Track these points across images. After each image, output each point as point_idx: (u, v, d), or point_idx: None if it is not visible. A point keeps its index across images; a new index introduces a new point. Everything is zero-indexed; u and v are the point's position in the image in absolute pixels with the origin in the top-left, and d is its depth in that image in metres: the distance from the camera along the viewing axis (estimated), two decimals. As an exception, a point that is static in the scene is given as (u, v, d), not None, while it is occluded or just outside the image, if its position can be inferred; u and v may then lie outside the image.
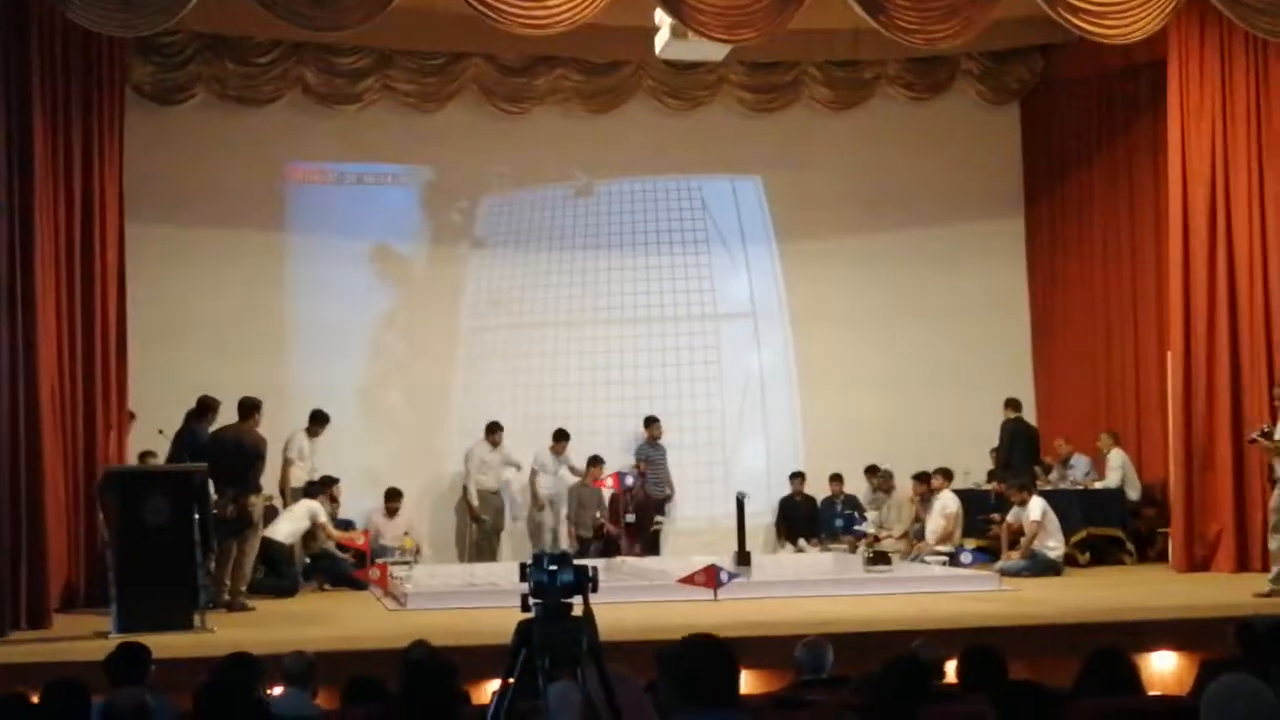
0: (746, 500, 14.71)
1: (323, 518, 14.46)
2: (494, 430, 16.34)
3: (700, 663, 4.65)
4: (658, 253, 17.68)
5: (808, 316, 17.82)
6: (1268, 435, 12.45)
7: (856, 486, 17.16)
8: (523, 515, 16.76)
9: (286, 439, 14.85)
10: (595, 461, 16.33)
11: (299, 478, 14.96)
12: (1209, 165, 14.15)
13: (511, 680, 4.60)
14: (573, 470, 16.64)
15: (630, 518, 16.51)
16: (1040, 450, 16.35)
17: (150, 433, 14.00)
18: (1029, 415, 17.10)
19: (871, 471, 16.99)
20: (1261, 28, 12.99)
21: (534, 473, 16.63)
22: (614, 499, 16.43)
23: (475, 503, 16.28)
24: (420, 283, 17.35)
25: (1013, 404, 16.32)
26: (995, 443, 16.73)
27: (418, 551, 15.51)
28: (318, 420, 15.15)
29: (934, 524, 15.44)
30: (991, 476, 16.12)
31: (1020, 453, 16.03)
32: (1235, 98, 14.12)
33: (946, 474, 15.70)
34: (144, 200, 14.96)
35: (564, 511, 16.72)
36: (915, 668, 6.06)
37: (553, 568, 4.64)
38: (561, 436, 16.61)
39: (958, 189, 17.87)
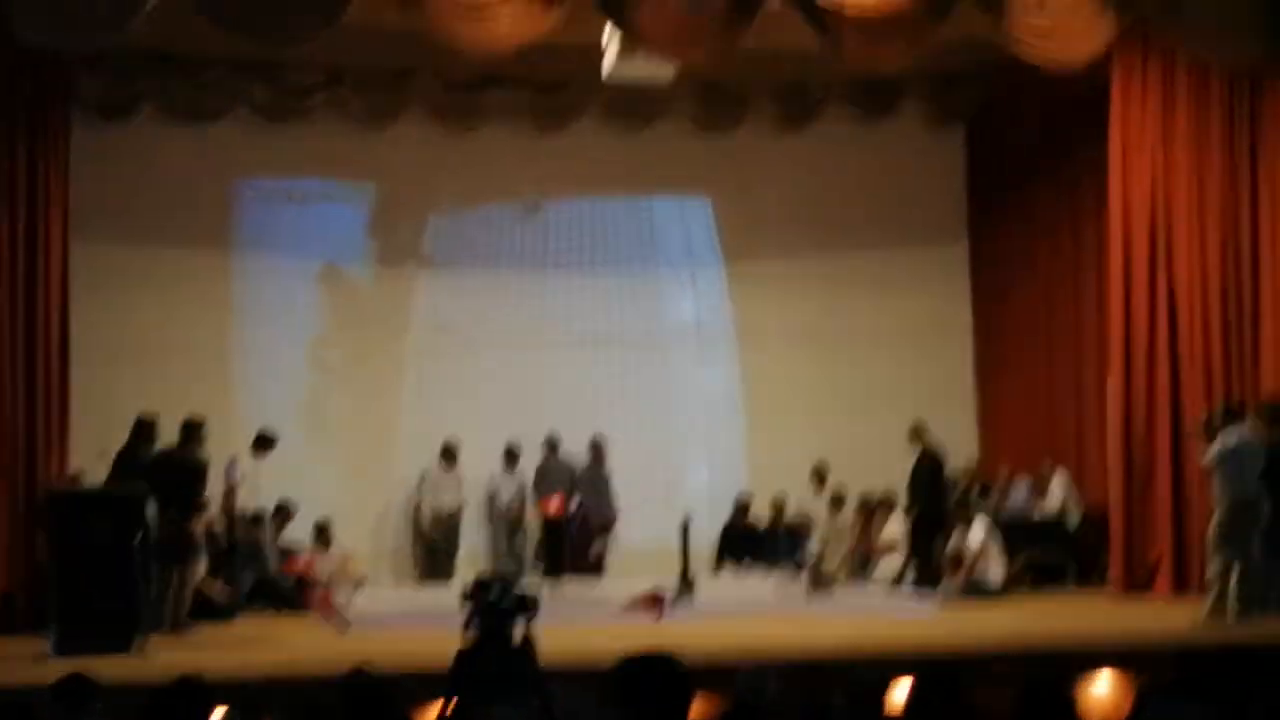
0: (692, 524, 14.72)
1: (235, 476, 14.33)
2: (449, 454, 16.32)
3: (651, 682, 4.60)
4: (605, 273, 17.71)
5: (754, 338, 17.88)
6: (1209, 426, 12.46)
7: (798, 489, 17.06)
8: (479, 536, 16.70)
9: (228, 461, 14.53)
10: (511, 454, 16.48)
11: (245, 502, 14.81)
12: (1149, 191, 14.26)
13: (451, 706, 4.60)
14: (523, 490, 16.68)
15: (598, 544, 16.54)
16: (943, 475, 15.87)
17: (85, 454, 13.85)
18: (971, 441, 17.22)
19: (817, 474, 16.92)
20: (1202, 56, 13.12)
21: (491, 495, 16.62)
22: (560, 523, 16.37)
23: (425, 526, 16.22)
24: (367, 302, 17.29)
25: (918, 431, 15.49)
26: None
27: (360, 582, 15.36)
28: (263, 442, 14.95)
29: (881, 550, 15.55)
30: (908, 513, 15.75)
31: (925, 482, 15.50)
32: (1176, 123, 14.23)
33: (889, 503, 15.76)
34: (89, 217, 14.83)
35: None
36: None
37: (495, 592, 4.64)
38: (512, 455, 16.61)
39: (904, 211, 17.97)
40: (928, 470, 15.27)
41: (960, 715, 6.04)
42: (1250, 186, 13.93)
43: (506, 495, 16.67)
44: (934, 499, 15.20)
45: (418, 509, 16.40)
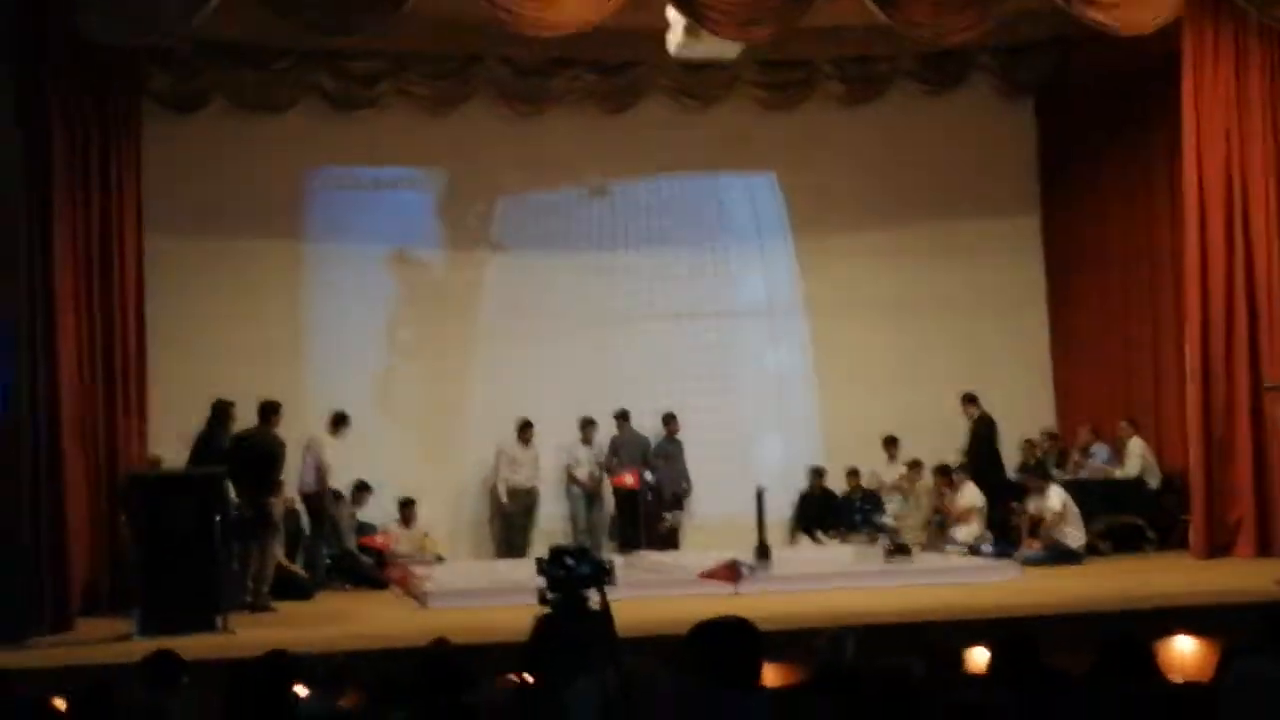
0: (766, 495, 14.73)
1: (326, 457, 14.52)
2: (525, 428, 16.40)
3: (724, 643, 4.65)
4: (674, 251, 17.70)
5: (825, 312, 17.83)
6: None
7: (872, 460, 17.13)
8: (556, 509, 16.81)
9: (309, 441, 14.71)
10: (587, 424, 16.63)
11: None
12: (1224, 156, 14.13)
13: (530, 677, 4.63)
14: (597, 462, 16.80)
15: (670, 517, 16.65)
16: (998, 441, 16.25)
17: (163, 439, 14.06)
18: (1048, 408, 17.16)
19: (890, 443, 16.96)
20: (1275, 17, 12.97)
21: (569, 466, 16.74)
22: (637, 496, 16.45)
23: (504, 499, 16.33)
24: (438, 286, 17.38)
25: (971, 399, 16.28)
26: (1018, 437, 16.81)
27: (439, 559, 15.53)
28: (339, 422, 15.13)
29: (958, 516, 15.51)
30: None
31: (984, 449, 15.98)
32: (1250, 89, 14.09)
33: (966, 468, 15.79)
34: (163, 208, 15.02)
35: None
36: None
37: (570, 562, 4.66)
38: (589, 424, 16.73)
39: (974, 183, 17.84)
40: (984, 438, 15.55)
41: (1040, 677, 6.03)
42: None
43: (583, 468, 16.74)
44: (991, 465, 15.43)
45: (495, 486, 16.47)
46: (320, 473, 14.68)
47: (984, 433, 16.00)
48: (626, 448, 16.72)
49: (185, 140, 15.81)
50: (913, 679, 6.09)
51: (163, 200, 15.00)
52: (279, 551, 13.26)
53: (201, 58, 15.72)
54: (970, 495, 15.57)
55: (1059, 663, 7.06)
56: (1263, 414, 13.75)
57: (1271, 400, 13.23)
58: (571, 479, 16.73)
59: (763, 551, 13.94)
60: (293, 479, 14.27)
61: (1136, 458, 15.77)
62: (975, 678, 7.04)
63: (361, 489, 15.41)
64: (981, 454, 16.02)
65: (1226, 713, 5.29)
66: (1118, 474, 15.85)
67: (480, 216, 17.52)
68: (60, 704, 7.01)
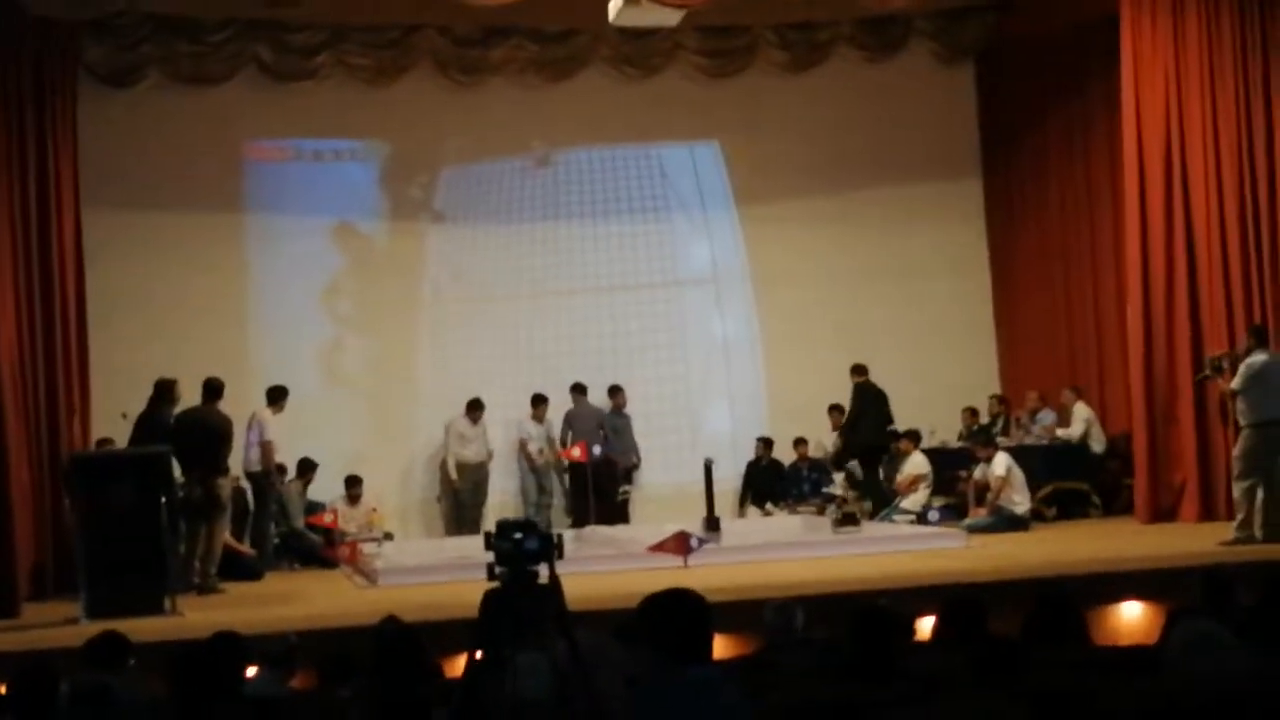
0: (714, 466, 14.75)
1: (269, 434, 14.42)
2: (475, 408, 16.37)
3: (674, 616, 4.66)
4: (618, 221, 17.69)
5: (769, 281, 17.85)
6: (1218, 369, 12.50)
7: (819, 429, 17.20)
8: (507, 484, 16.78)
9: (252, 418, 14.50)
10: (538, 400, 16.65)
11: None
12: (1163, 118, 14.19)
13: (479, 652, 4.60)
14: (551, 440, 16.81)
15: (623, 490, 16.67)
16: (889, 410, 16.05)
17: (105, 419, 13.92)
18: (990, 373, 17.30)
19: (834, 410, 16.94)
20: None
21: (522, 441, 16.72)
22: (584, 469, 16.45)
23: (454, 476, 16.29)
24: (381, 258, 17.30)
25: (859, 369, 15.97)
26: (963, 402, 16.89)
27: (388, 536, 15.47)
28: (277, 395, 14.89)
29: (904, 485, 15.56)
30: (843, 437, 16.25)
31: (871, 415, 15.85)
32: (1188, 51, 14.14)
33: (914, 436, 15.81)
34: (100, 183, 14.92)
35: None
36: (885, 621, 6.08)
37: (517, 535, 4.63)
38: (540, 401, 16.71)
39: (915, 149, 17.89)
40: (871, 403, 15.57)
41: (984, 642, 6.07)
42: (1265, 113, 13.92)
43: (535, 444, 16.72)
44: (868, 432, 15.54)
45: (444, 462, 16.42)
46: (264, 450, 14.58)
47: (861, 404, 15.82)
48: (581, 420, 16.70)
49: (122, 114, 15.72)
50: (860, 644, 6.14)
51: (100, 175, 14.90)
52: (226, 532, 13.15)
53: (137, 30, 15.55)
54: (915, 463, 15.63)
55: (1004, 628, 7.12)
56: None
57: (1209, 384, 13.33)
58: (524, 453, 16.71)
59: (712, 524, 13.97)
60: (238, 457, 14.17)
61: (1081, 421, 15.87)
62: (923, 644, 7.07)
63: (307, 466, 15.32)
64: (856, 422, 15.90)
65: (1170, 674, 5.33)
66: (1060, 433, 15.92)
67: (422, 188, 17.45)
68: (1, 688, 6.95)
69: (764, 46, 17.54)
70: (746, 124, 17.74)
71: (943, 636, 6.84)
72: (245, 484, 14.57)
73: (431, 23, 16.47)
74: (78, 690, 6.12)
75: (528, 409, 16.78)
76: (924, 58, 17.98)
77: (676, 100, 17.56)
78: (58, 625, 10.51)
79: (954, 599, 7.17)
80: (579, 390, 16.75)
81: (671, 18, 14.48)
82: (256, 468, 14.49)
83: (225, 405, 12.98)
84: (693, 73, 17.53)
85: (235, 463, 13.91)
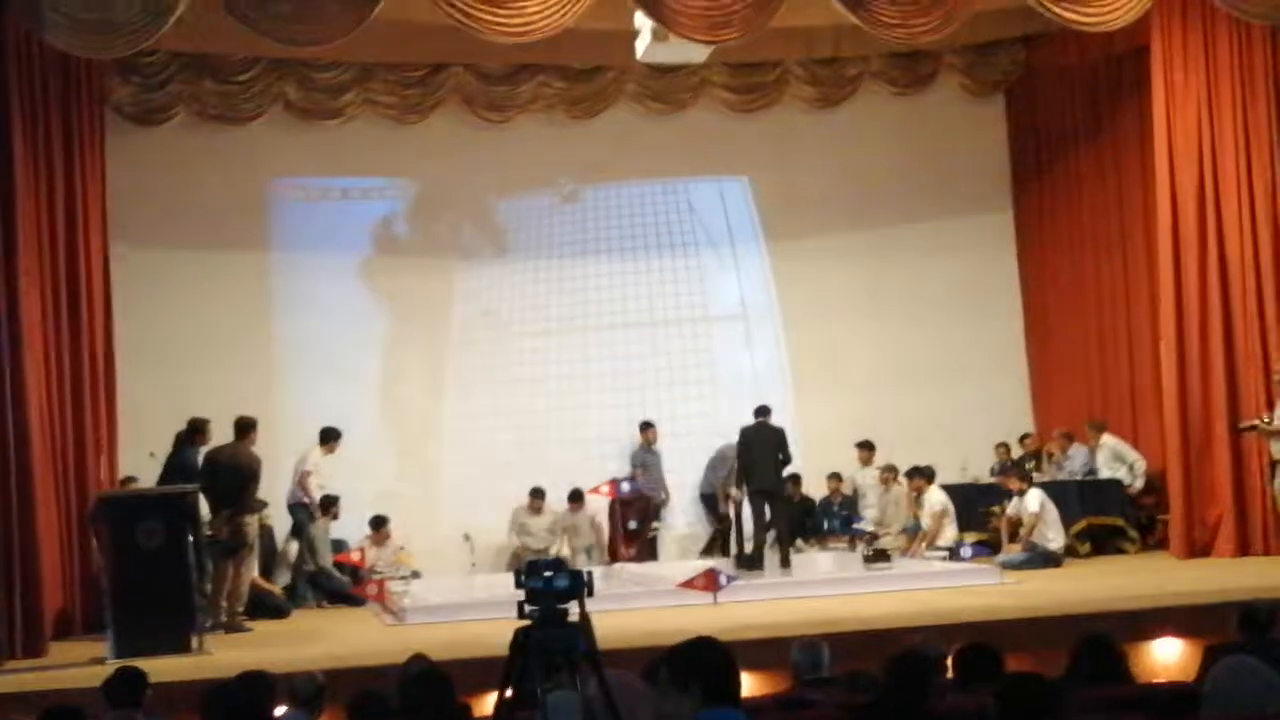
0: (743, 502, 14.64)
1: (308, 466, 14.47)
2: (537, 495, 16.30)
3: (699, 665, 4.59)
4: (646, 257, 17.63)
5: (799, 315, 17.78)
6: (1267, 424, 12.43)
7: (847, 464, 17.08)
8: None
9: (299, 459, 14.72)
10: (536, 493, 16.34)
11: (315, 490, 14.86)
12: (1196, 149, 14.11)
13: (509, 690, 4.54)
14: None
15: (633, 525, 16.47)
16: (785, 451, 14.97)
17: (132, 458, 13.92)
18: (1024, 406, 17.15)
19: (864, 447, 16.85)
20: (1243, 10, 12.95)
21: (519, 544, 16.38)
22: (612, 507, 16.36)
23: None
24: (409, 296, 17.22)
25: (760, 410, 15.04)
26: (995, 437, 16.76)
27: (415, 574, 15.35)
28: (330, 436, 14.99)
29: (925, 524, 15.40)
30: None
31: (765, 455, 14.77)
32: (1220, 81, 14.08)
33: (926, 474, 15.58)
34: (128, 222, 14.97)
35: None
36: (919, 663, 6.00)
37: (547, 574, 4.58)
38: (647, 426, 16.77)
39: (945, 182, 17.82)
40: (770, 441, 14.70)
41: (1017, 680, 5.99)
42: (1299, 140, 13.81)
43: (536, 540, 16.35)
44: (772, 469, 14.62)
45: (512, 554, 16.17)
46: (300, 480, 14.63)
47: (749, 442, 15.04)
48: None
49: (149, 153, 15.72)
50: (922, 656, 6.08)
51: (128, 214, 14.95)
52: (254, 570, 13.11)
53: (164, 70, 15.61)
54: (935, 500, 15.42)
55: (1040, 666, 7.01)
56: (1241, 411, 13.71)
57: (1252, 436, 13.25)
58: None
59: (742, 561, 13.86)
60: (284, 492, 14.32)
61: (1114, 460, 15.65)
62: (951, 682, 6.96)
63: (329, 502, 15.24)
64: (743, 462, 14.78)
65: (1210, 711, 5.24)
66: (1093, 481, 15.67)
67: (450, 225, 17.43)
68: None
69: (792, 81, 17.51)
70: (775, 159, 17.70)
71: (961, 677, 6.75)
72: (272, 521, 14.55)
73: (458, 61, 16.50)
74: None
75: (551, 451, 16.66)
76: (953, 91, 17.93)
77: (704, 136, 17.54)
78: (84, 665, 10.47)
79: (968, 641, 7.07)
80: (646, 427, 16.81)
81: (699, 54, 14.48)
82: (296, 500, 14.48)
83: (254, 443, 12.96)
84: (720, 108, 17.51)
85: (279, 498, 13.95)
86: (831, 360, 17.52)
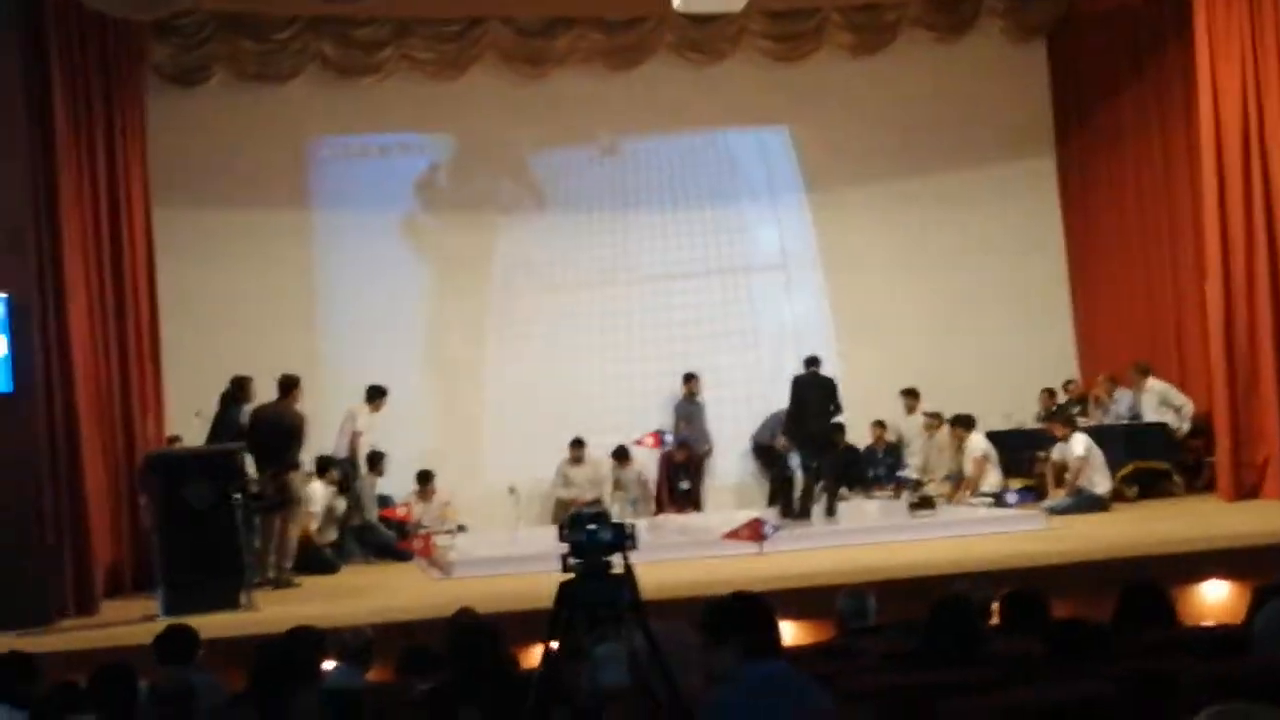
0: (789, 454, 14.62)
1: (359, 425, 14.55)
2: (577, 446, 16.32)
3: (735, 619, 4.61)
4: (687, 208, 17.58)
5: (841, 265, 17.71)
6: None
7: (892, 412, 17.01)
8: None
9: (347, 413, 14.76)
10: (577, 443, 16.35)
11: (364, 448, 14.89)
12: (1239, 89, 13.96)
13: (555, 643, 4.56)
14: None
15: (685, 485, 16.51)
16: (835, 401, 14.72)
17: (177, 416, 14.02)
18: (1069, 352, 17.04)
19: (908, 394, 16.78)
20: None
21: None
22: (660, 461, 16.37)
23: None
24: (450, 251, 17.25)
25: (810, 360, 14.80)
26: (1040, 383, 16.65)
27: (461, 528, 15.40)
28: (376, 394, 15.00)
29: (968, 470, 15.34)
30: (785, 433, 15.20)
31: (816, 404, 14.53)
32: (1264, 21, 13.90)
33: (966, 422, 15.47)
34: (169, 182, 15.01)
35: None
36: (962, 609, 6.00)
37: (591, 527, 4.59)
38: (690, 378, 16.81)
39: (987, 129, 17.69)
40: (800, 397, 14.49)
41: (1063, 625, 6.00)
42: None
43: (573, 490, 16.41)
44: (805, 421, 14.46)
45: (557, 503, 16.22)
46: (352, 440, 14.69)
47: (800, 392, 15.01)
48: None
49: (189, 113, 15.77)
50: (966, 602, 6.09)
51: (169, 174, 14.99)
52: (300, 526, 13.19)
53: (202, 30, 15.63)
54: (975, 446, 15.34)
55: (1086, 611, 7.00)
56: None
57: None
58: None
59: (788, 511, 13.85)
60: (330, 448, 14.46)
61: (1161, 403, 15.52)
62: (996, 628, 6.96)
63: (376, 458, 15.27)
64: (794, 411, 14.60)
65: (1259, 652, 5.22)
66: (1140, 425, 15.56)
67: (490, 180, 17.41)
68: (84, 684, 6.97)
69: (831, 29, 17.38)
70: (815, 108, 17.59)
71: (1006, 624, 6.74)
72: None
73: (495, 14, 16.47)
74: (160, 689, 6.13)
75: (594, 404, 16.67)
76: (994, 36, 17.78)
77: (744, 85, 17.44)
78: (135, 622, 10.57)
79: (1013, 588, 7.06)
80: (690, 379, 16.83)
81: (737, 3, 14.40)
82: (344, 456, 14.57)
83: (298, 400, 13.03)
84: (759, 57, 17.40)
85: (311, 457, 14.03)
86: (873, 309, 17.46)
